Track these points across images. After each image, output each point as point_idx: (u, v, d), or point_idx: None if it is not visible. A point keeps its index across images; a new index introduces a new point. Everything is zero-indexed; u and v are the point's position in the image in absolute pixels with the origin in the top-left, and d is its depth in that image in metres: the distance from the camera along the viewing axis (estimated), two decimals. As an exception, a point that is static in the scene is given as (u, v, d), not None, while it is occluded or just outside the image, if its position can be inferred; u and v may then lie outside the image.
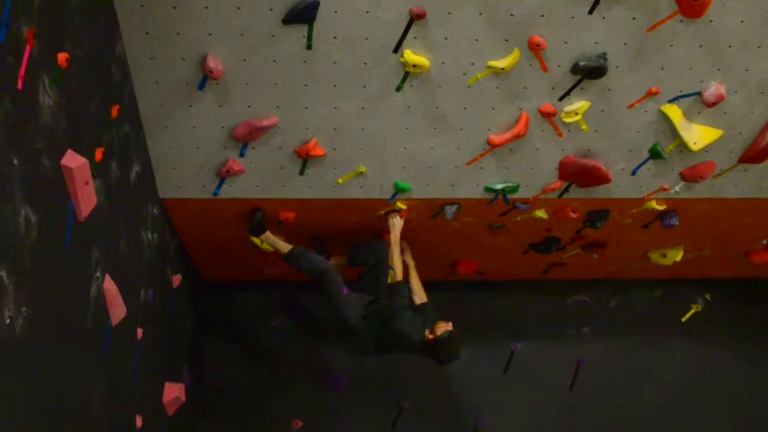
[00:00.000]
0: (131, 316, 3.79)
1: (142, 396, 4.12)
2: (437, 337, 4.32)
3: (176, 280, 4.95)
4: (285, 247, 4.94)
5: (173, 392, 4.65)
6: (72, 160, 2.94)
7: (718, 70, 4.02)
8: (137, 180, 4.01)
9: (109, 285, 3.44)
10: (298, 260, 4.87)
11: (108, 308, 3.45)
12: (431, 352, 4.38)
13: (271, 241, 4.98)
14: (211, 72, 3.83)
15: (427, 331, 4.40)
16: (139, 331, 4.00)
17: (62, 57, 2.85)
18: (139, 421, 3.98)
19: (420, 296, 4.83)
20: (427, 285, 6.07)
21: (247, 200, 4.62)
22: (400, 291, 4.60)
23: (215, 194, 4.52)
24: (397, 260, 4.70)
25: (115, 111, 3.55)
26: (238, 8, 3.63)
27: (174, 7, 3.58)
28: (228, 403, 5.98)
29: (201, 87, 3.93)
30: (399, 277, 4.66)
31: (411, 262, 4.98)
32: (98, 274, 3.33)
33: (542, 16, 3.73)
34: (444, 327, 4.35)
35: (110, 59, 3.51)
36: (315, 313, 6.19)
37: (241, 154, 4.31)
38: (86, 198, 3.08)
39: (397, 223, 4.74)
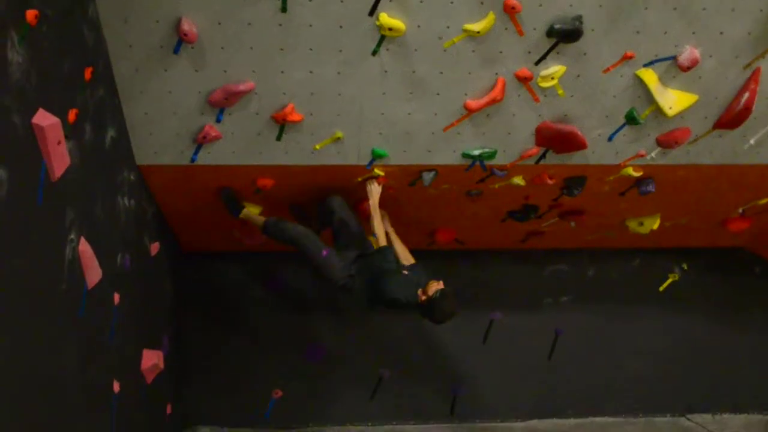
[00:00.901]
0: (107, 280, 3.80)
1: (120, 362, 4.13)
2: (429, 297, 4.35)
3: (154, 248, 4.96)
4: (260, 220, 4.98)
5: (152, 359, 4.67)
6: (43, 118, 2.94)
7: (693, 33, 4.06)
8: (113, 145, 4.00)
9: (85, 247, 3.44)
10: (273, 231, 4.91)
11: (83, 271, 3.46)
12: (426, 313, 4.41)
13: (248, 217, 5.01)
14: (185, 35, 3.81)
15: (419, 292, 4.42)
16: (116, 297, 4.01)
17: (31, 14, 2.83)
18: (116, 387, 4.00)
19: (407, 259, 4.87)
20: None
21: (224, 167, 4.62)
22: (386, 256, 4.62)
23: (192, 161, 4.52)
24: (378, 227, 4.72)
25: (88, 73, 3.54)
26: (212, -31, 3.62)
27: (146, -33, 3.57)
28: (207, 372, 6.02)
29: (176, 51, 3.92)
30: (382, 242, 4.68)
31: (390, 229, 5.02)
32: (73, 236, 3.33)
33: (517, -22, 3.75)
34: (435, 286, 4.37)
35: (82, 20, 3.49)
36: (295, 283, 6.22)
37: (218, 120, 4.31)
38: (59, 157, 3.08)
39: (375, 190, 4.77)
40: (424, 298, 4.39)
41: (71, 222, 3.31)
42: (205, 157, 4.52)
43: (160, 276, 5.28)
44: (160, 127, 4.31)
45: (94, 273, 3.56)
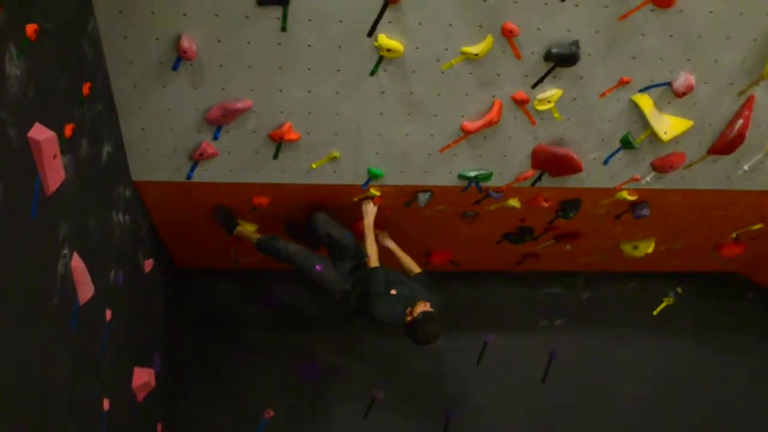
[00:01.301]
0: (100, 296, 3.77)
1: (111, 379, 4.09)
2: (414, 318, 4.34)
3: (148, 264, 4.93)
4: (254, 237, 4.98)
5: (143, 377, 4.62)
6: (39, 132, 2.92)
7: (688, 60, 4.09)
8: (109, 160, 3.99)
9: (77, 263, 3.42)
10: (266, 248, 4.92)
11: (75, 286, 3.43)
12: (409, 333, 4.40)
13: (243, 234, 5.00)
14: (185, 53, 3.82)
15: (408, 311, 4.41)
16: (108, 313, 3.97)
17: (31, 28, 2.83)
18: (106, 404, 3.95)
19: (411, 270, 4.90)
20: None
21: (220, 185, 4.61)
22: (374, 278, 4.62)
23: (188, 177, 4.51)
24: (370, 246, 4.71)
25: (86, 88, 3.53)
26: (213, -12, 3.63)
27: (147, -15, 3.58)
28: (199, 391, 5.96)
29: (175, 68, 3.92)
30: (374, 263, 4.67)
31: (393, 244, 5.01)
32: (66, 251, 3.30)
33: (515, 2, 3.77)
34: (421, 308, 4.36)
35: (82, 36, 3.49)
36: (289, 302, 6.20)
37: (215, 137, 4.31)
38: (54, 172, 3.06)
39: (370, 210, 4.76)
40: (409, 318, 4.38)
41: (64, 237, 3.28)
42: (202, 175, 4.51)
43: (153, 293, 5.24)
44: (157, 143, 4.30)
45: (86, 289, 3.53)
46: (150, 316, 5.21)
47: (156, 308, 5.39)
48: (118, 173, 4.23)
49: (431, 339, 4.40)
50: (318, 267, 4.67)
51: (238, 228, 5.07)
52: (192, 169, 4.47)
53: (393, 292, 4.55)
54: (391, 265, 4.85)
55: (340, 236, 4.83)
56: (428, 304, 4.39)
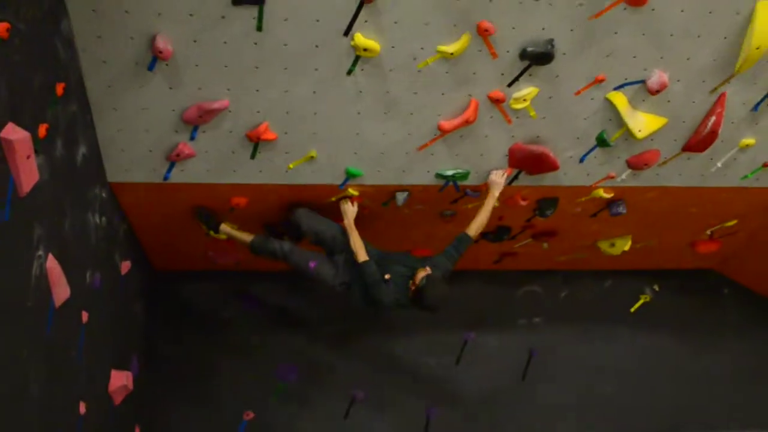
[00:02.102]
0: (76, 298, 3.74)
1: (87, 382, 4.05)
2: (417, 287, 4.30)
3: (125, 266, 4.90)
4: (247, 237, 4.95)
5: (120, 380, 4.59)
6: (13, 132, 2.90)
7: (661, 58, 4.14)
8: (84, 161, 3.96)
9: (52, 264, 3.39)
10: (260, 251, 4.90)
11: (51, 288, 3.40)
12: (418, 304, 4.33)
13: (231, 234, 4.98)
14: (160, 53, 3.80)
15: (410, 284, 4.38)
16: (84, 315, 3.94)
17: (2, 27, 2.80)
18: (82, 408, 3.92)
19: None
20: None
21: (198, 185, 4.59)
22: (368, 271, 4.54)
23: (165, 178, 4.49)
24: (356, 243, 4.64)
25: (60, 89, 3.50)
26: (188, -13, 3.62)
27: (121, -16, 3.55)
28: (178, 393, 5.91)
29: (150, 68, 3.90)
30: (362, 258, 4.59)
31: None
32: (41, 252, 3.28)
33: (490, 1, 3.80)
34: (422, 274, 4.31)
35: (55, 35, 3.46)
36: (268, 303, 6.18)
37: (192, 138, 4.29)
38: (27, 173, 3.03)
39: (349, 210, 4.76)
40: (413, 288, 4.34)
41: (39, 238, 3.26)
42: (179, 175, 4.49)
43: (130, 295, 5.20)
44: (133, 144, 4.27)
45: (62, 290, 3.50)
46: (127, 318, 5.17)
47: (134, 310, 5.35)
48: (94, 174, 4.20)
49: (440, 301, 4.29)
50: (312, 264, 4.64)
51: (225, 228, 5.02)
52: (169, 170, 4.44)
53: (387, 276, 4.49)
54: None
55: (326, 229, 4.79)
56: (428, 269, 4.34)
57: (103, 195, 4.38)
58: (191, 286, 6.09)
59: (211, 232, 5.05)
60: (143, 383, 5.43)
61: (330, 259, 4.75)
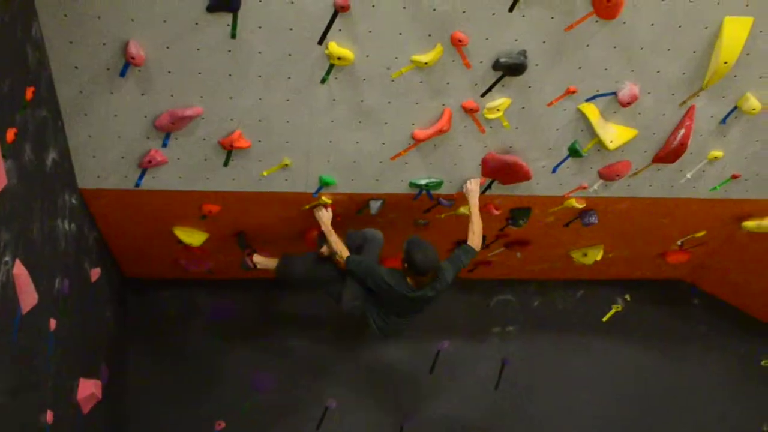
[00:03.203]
0: (44, 306, 3.70)
1: (55, 390, 4.01)
2: (403, 258, 4.30)
3: (95, 274, 4.85)
4: (272, 264, 5.02)
5: (88, 389, 4.54)
6: (-20, 137, 2.87)
7: (632, 71, 4.21)
8: (54, 167, 3.92)
9: (20, 270, 3.35)
10: (284, 272, 4.96)
11: (18, 294, 3.36)
12: (414, 272, 4.29)
13: (263, 263, 5.08)
14: (133, 58, 3.79)
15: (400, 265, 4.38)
16: (53, 323, 3.90)
17: (-29, 31, 2.78)
18: (49, 416, 3.87)
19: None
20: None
21: (170, 192, 4.57)
22: (356, 262, 4.53)
23: (137, 185, 4.47)
24: (336, 243, 4.64)
25: (29, 93, 3.47)
26: (161, -7, 3.61)
27: (94, -11, 3.54)
28: (148, 403, 5.88)
29: (122, 74, 3.88)
30: (346, 253, 4.58)
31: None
32: (7, 258, 3.24)
33: (464, 12, 3.83)
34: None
35: (25, 39, 3.43)
36: (242, 311, 6.16)
37: (164, 145, 4.27)
38: (-5, 178, 3.00)
39: (324, 215, 4.75)
40: (405, 264, 4.32)
41: (6, 244, 3.22)
42: (150, 182, 4.47)
43: (100, 303, 5.16)
44: (104, 150, 4.25)
45: (29, 297, 3.46)
46: (97, 325, 5.12)
47: (103, 318, 5.30)
48: (64, 180, 4.17)
49: (430, 258, 4.26)
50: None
51: (258, 259, 5.11)
52: (140, 177, 4.42)
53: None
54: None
55: (326, 275, 4.80)
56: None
57: (74, 201, 4.34)
58: (162, 294, 6.06)
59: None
60: (112, 392, 5.38)
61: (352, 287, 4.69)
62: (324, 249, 4.83)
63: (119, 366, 5.69)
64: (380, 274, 4.43)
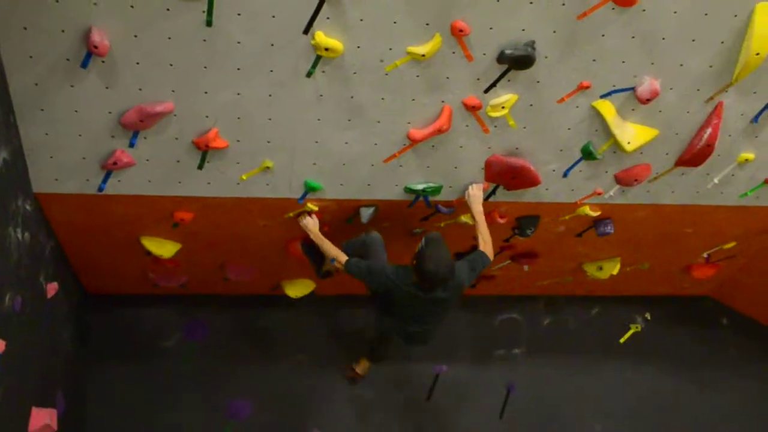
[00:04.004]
0: (-7, 325, 3.68)
1: (3, 421, 3.98)
2: (416, 255, 4.26)
3: (51, 288, 4.83)
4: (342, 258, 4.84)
5: (42, 419, 4.49)
6: None
7: (652, 64, 4.22)
8: (5, 169, 3.91)
9: (-34, 286, 3.33)
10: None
11: (-37, 313, 3.34)
12: (419, 273, 4.25)
13: (332, 267, 4.95)
14: (95, 48, 3.78)
15: (411, 261, 4.35)
16: (1, 345, 3.86)
17: None
18: (-1, 450, 3.85)
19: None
20: (342, 300, 6.11)
21: (137, 198, 4.56)
22: (354, 265, 4.55)
23: (100, 190, 4.46)
24: (330, 249, 4.65)
25: (-22, 86, 3.46)
26: (128, -25, 3.61)
27: (51, -30, 3.53)
28: (111, 434, 5.85)
29: (84, 65, 3.87)
30: (343, 258, 4.60)
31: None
32: (-48, 272, 3.22)
33: (466, -2, 3.85)
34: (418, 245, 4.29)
35: (-26, 26, 3.43)
36: (216, 331, 6.14)
37: (131, 144, 4.27)
38: (-62, 181, 2.98)
39: (310, 223, 4.76)
40: (414, 262, 4.29)
41: (-49, 256, 3.20)
42: (116, 186, 4.46)
43: (57, 321, 5.14)
44: (63, 150, 4.24)
45: (-24, 316, 3.44)
46: (53, 347, 5.09)
47: (60, 339, 5.28)
48: (17, 184, 4.15)
49: (442, 262, 4.22)
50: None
51: (328, 263, 4.99)
52: (104, 181, 4.41)
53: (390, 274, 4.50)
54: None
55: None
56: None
57: (27, 207, 4.32)
58: (128, 311, 6.04)
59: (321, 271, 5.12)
60: (70, 423, 5.34)
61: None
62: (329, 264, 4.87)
63: (78, 393, 5.65)
64: (384, 272, 4.45)
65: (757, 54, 4.11)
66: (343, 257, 4.62)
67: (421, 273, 4.26)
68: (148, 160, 4.36)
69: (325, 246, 4.70)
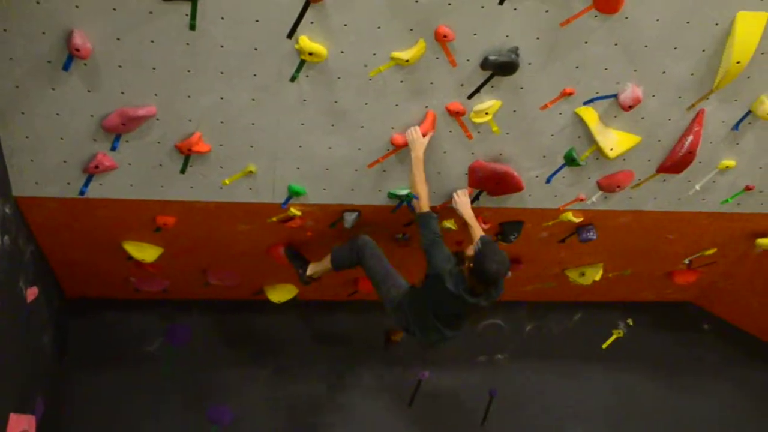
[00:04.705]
0: (-28, 329, 3.65)
1: (-18, 427, 3.96)
2: (474, 257, 4.14)
3: (31, 293, 4.80)
4: (327, 261, 4.94)
5: (20, 425, 4.47)
6: None
7: (635, 71, 4.25)
8: (-15, 172, 3.89)
9: (-56, 290, 3.31)
10: (338, 261, 4.85)
11: (-59, 318, 3.32)
12: (474, 277, 4.14)
13: (320, 270, 4.99)
14: (77, 50, 3.76)
15: (464, 267, 4.23)
16: (-19, 349, 3.86)
17: None
18: (-24, 457, 3.82)
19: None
20: (325, 306, 6.11)
21: (119, 201, 4.54)
22: (430, 224, 4.37)
23: (82, 193, 4.43)
24: (421, 185, 4.39)
25: (-43, 88, 3.44)
26: (111, -22, 3.60)
27: (32, -28, 3.52)
28: (91, 440, 5.81)
29: (66, 67, 3.86)
30: (425, 206, 4.41)
31: None
32: (-70, 276, 3.20)
33: (449, 4, 3.85)
34: (473, 245, 4.21)
35: (-47, 28, 3.41)
36: (199, 336, 6.11)
37: (113, 148, 4.25)
38: None
39: (418, 140, 4.35)
40: (469, 265, 4.16)
41: (-71, 260, 3.18)
42: (97, 190, 4.44)
43: (36, 326, 5.10)
44: (44, 153, 4.21)
45: (-45, 320, 3.41)
46: (32, 352, 5.06)
47: (40, 344, 5.24)
48: (-3, 187, 4.13)
49: (504, 264, 4.16)
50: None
51: (315, 268, 5.02)
52: (86, 184, 4.39)
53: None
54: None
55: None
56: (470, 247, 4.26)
57: (7, 211, 4.29)
58: (109, 315, 6.01)
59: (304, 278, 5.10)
60: (49, 429, 5.31)
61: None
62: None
63: (57, 399, 5.61)
64: (449, 256, 4.30)
65: (738, 62, 4.15)
66: (426, 204, 4.39)
67: (481, 273, 4.11)
68: (130, 163, 4.35)
69: (419, 175, 4.37)
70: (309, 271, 5.05)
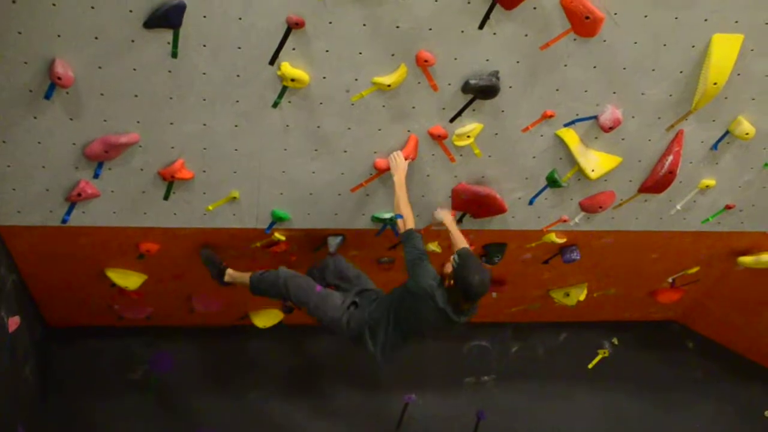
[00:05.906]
0: (-47, 361, 3.62)
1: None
2: (453, 272, 4.01)
3: (13, 323, 4.76)
4: (246, 277, 4.79)
5: (4, 456, 4.43)
6: None
7: (614, 93, 4.30)
8: (-34, 202, 3.87)
9: (-76, 322, 3.28)
10: (260, 286, 4.71)
11: None
12: (457, 294, 4.00)
13: (236, 278, 4.85)
14: (59, 79, 3.76)
15: (445, 280, 4.08)
16: (-38, 380, 3.82)
17: None
18: (-44, 490, 3.77)
19: None
20: (308, 330, 6.09)
21: (102, 229, 4.53)
22: (414, 242, 4.20)
23: (64, 221, 4.42)
24: (405, 206, 4.30)
25: (-61, 118, 3.43)
26: (92, 7, 3.60)
27: (14, 1, 3.51)
28: (74, 471, 5.74)
29: (48, 96, 3.86)
30: (410, 225, 4.28)
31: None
32: None
33: (430, 29, 3.89)
34: (450, 261, 4.06)
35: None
36: (183, 363, 6.07)
37: (96, 176, 4.24)
38: None
39: (401, 164, 4.34)
40: (451, 282, 4.02)
41: None
42: (80, 218, 4.42)
43: (18, 356, 5.06)
44: (26, 182, 4.20)
45: (-65, 352, 3.38)
46: (14, 382, 5.01)
47: (22, 373, 5.19)
48: (-22, 217, 4.10)
49: (485, 276, 4.01)
50: (318, 288, 4.50)
51: (232, 273, 4.86)
52: (68, 212, 4.38)
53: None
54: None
55: (351, 267, 4.77)
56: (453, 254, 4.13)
57: (-11, 240, 4.27)
58: (92, 344, 5.95)
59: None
60: (32, 459, 5.25)
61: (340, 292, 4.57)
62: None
63: (39, 428, 5.54)
64: (433, 274, 4.15)
65: (715, 83, 4.21)
66: (411, 222, 4.27)
67: (466, 287, 3.97)
68: (113, 191, 4.34)
69: (403, 198, 4.30)
70: (226, 278, 4.89)
